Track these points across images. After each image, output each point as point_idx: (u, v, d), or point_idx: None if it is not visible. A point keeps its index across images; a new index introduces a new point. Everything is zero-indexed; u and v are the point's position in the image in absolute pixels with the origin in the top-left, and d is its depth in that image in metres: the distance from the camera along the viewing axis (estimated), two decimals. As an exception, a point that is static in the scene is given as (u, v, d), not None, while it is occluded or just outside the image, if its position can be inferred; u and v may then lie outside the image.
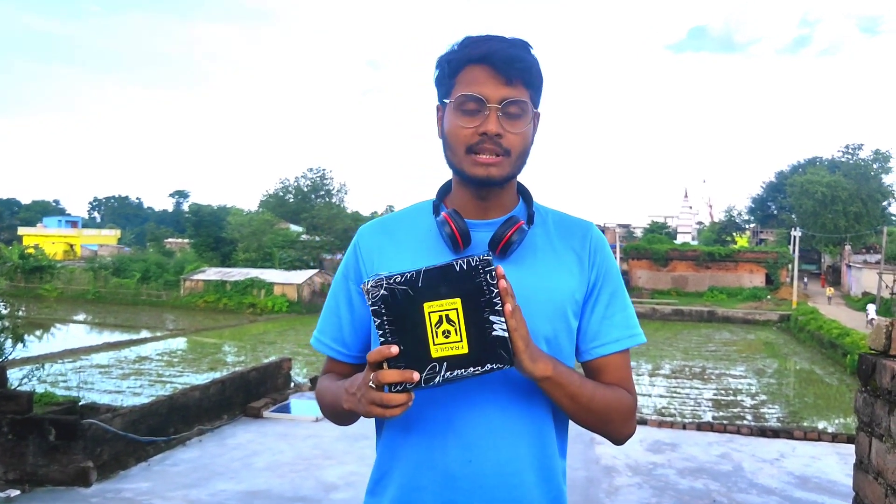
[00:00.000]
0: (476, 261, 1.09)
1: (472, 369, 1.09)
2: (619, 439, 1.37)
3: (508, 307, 1.09)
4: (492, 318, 1.09)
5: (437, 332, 1.09)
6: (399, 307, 1.09)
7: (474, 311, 1.08)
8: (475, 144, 1.26)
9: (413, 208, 1.45)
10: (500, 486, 1.26)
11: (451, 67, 1.29)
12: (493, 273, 1.08)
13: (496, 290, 1.08)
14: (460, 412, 1.26)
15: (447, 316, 1.08)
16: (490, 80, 1.25)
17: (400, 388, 1.09)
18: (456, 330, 1.08)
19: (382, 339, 1.09)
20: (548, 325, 1.29)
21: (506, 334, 1.09)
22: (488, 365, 1.09)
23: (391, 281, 1.09)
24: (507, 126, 1.26)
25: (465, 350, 1.09)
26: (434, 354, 1.09)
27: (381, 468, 1.35)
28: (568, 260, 1.35)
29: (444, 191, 1.42)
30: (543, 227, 1.38)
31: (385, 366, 1.09)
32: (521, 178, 1.37)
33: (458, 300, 1.08)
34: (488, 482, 1.25)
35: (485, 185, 1.30)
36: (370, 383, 1.11)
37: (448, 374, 1.09)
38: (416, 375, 1.08)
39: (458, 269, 1.08)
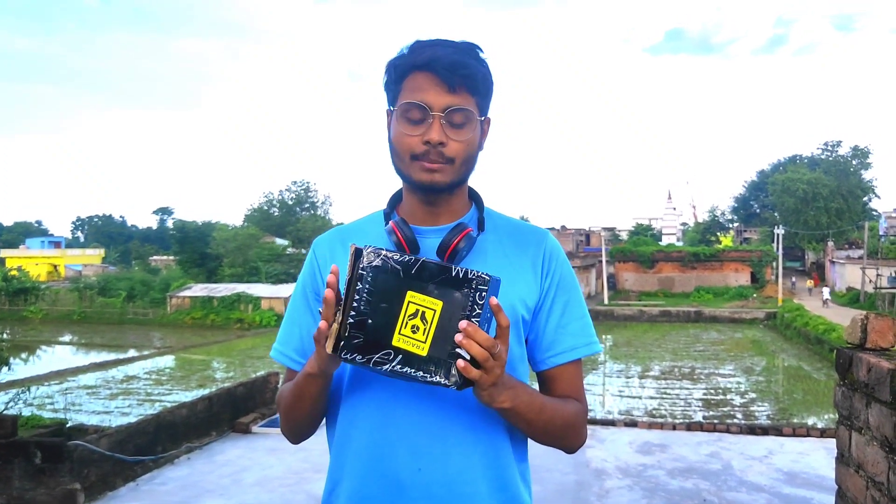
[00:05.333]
0: (473, 274, 1.06)
1: (421, 373, 1.07)
2: (570, 451, 1.37)
3: (484, 345, 1.05)
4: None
5: (406, 323, 1.06)
6: (384, 283, 1.07)
7: (450, 321, 1.05)
8: (420, 153, 1.25)
9: (367, 218, 1.44)
10: (450, 495, 1.23)
11: (398, 73, 1.28)
12: (483, 294, 1.05)
13: (478, 310, 1.05)
14: (410, 419, 1.24)
15: (423, 313, 1.06)
16: (433, 88, 1.24)
17: (351, 357, 1.08)
18: (424, 330, 1.06)
19: (355, 305, 1.07)
20: None
21: (467, 356, 1.05)
22: (436, 377, 1.06)
23: (388, 256, 1.07)
24: (451, 134, 1.25)
25: (424, 353, 1.06)
26: (394, 342, 1.06)
27: (332, 479, 1.33)
28: (520, 265, 1.34)
29: (396, 199, 1.41)
30: (495, 234, 1.37)
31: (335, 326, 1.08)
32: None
33: (441, 304, 1.06)
34: (438, 491, 1.23)
35: (430, 191, 1.30)
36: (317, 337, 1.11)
37: (398, 366, 1.07)
38: (322, 324, 1.08)
39: (453, 273, 1.06)
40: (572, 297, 1.37)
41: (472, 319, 1.05)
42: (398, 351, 1.06)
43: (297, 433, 1.38)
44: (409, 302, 1.06)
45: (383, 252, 1.08)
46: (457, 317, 1.05)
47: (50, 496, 4.77)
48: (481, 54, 1.30)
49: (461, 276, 1.06)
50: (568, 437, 1.32)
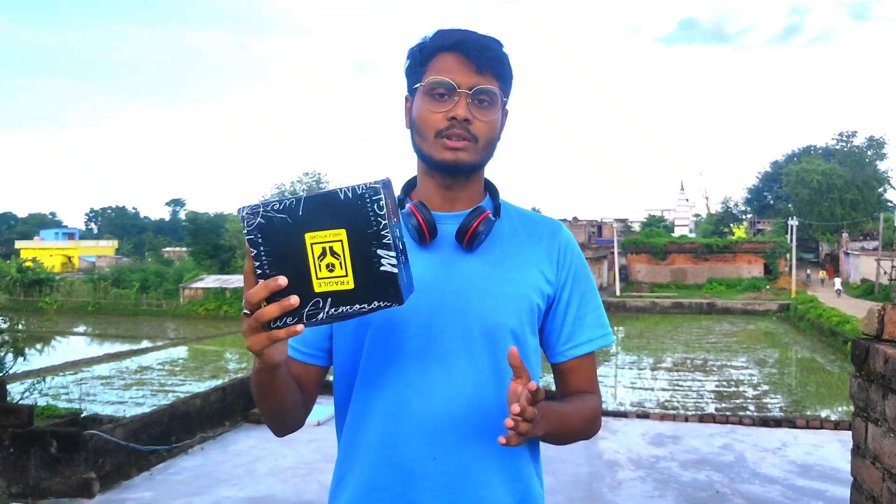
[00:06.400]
0: (362, 188, 1.00)
1: (357, 306, 1.01)
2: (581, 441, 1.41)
3: (521, 391, 1.06)
4: (379, 251, 1.00)
5: (320, 266, 1.00)
6: (278, 237, 1.00)
7: (361, 244, 1.00)
8: (444, 129, 1.25)
9: None
10: (464, 485, 1.23)
11: (423, 55, 1.28)
12: (381, 203, 1.00)
13: (384, 222, 1.00)
14: (424, 408, 1.23)
15: (331, 248, 1.00)
16: (461, 68, 1.25)
17: (281, 322, 1.01)
18: (341, 264, 1.00)
19: (259, 273, 1.01)
20: (514, 317, 1.28)
21: (394, 270, 1.00)
22: (375, 302, 1.01)
23: (269, 208, 1.00)
24: (476, 113, 1.25)
25: (351, 286, 1.00)
26: (317, 289, 1.00)
27: (342, 467, 1.31)
28: (535, 255, 1.34)
29: (410, 186, 1.40)
30: (510, 222, 1.38)
31: (263, 304, 1.01)
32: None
33: (344, 231, 1.00)
34: (452, 481, 1.22)
35: (452, 171, 1.29)
36: (253, 325, 1.03)
37: (332, 310, 1.01)
38: (294, 299, 0.99)
39: (342, 197, 1.00)
40: (587, 288, 1.38)
41: (384, 232, 0.99)
42: (325, 295, 1.01)
43: (278, 426, 1.31)
44: (311, 244, 1.00)
45: (261, 207, 1.00)
46: (365, 236, 1.00)
47: (65, 485, 4.82)
48: (503, 48, 1.31)
49: (351, 195, 1.00)
50: (587, 434, 1.36)
